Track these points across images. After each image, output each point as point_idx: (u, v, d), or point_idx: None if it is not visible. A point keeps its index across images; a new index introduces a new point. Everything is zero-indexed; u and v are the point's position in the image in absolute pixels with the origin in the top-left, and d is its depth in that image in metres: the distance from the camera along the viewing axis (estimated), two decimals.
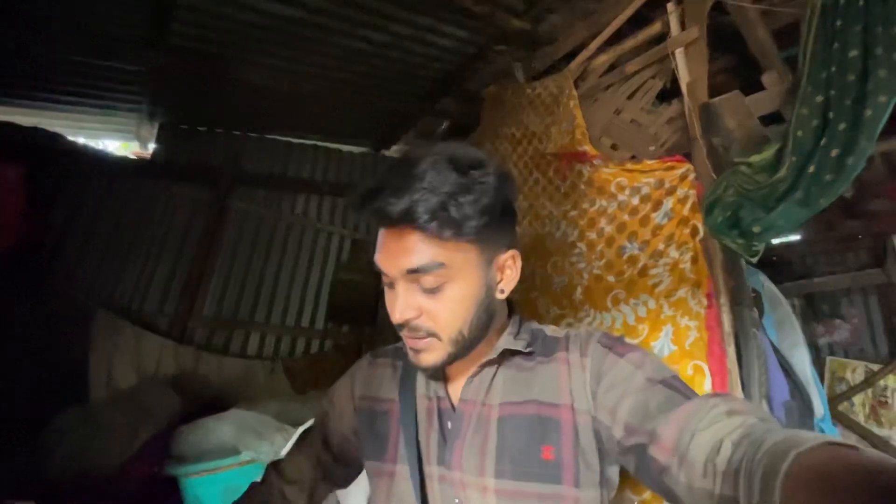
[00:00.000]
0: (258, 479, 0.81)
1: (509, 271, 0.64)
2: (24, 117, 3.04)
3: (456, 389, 0.67)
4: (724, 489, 0.43)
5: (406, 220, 0.55)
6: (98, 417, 2.02)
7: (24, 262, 2.63)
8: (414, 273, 0.57)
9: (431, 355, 0.60)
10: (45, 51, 2.42)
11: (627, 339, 0.66)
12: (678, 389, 0.54)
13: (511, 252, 0.64)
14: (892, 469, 0.32)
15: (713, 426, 0.47)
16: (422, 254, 0.56)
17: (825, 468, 0.35)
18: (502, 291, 0.63)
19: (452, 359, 0.61)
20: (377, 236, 0.61)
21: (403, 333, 0.61)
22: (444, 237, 0.55)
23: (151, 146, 3.50)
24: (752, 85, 1.77)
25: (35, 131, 2.94)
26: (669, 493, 0.50)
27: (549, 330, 0.69)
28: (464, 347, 0.61)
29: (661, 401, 0.53)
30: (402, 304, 0.58)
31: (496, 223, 0.59)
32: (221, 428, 1.79)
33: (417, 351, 0.60)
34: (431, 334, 0.59)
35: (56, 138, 3.02)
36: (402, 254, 0.57)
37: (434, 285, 0.57)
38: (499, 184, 0.59)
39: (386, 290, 0.61)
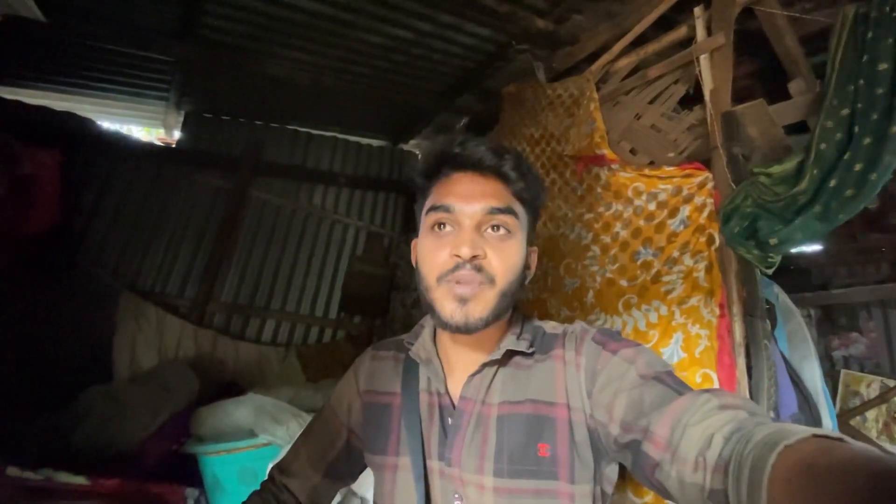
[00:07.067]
0: (265, 478, 0.82)
1: (532, 266, 0.69)
2: (57, 101, 3.15)
3: (456, 386, 0.67)
4: (714, 483, 0.43)
5: (495, 168, 0.64)
6: (121, 396, 2.11)
7: (55, 243, 2.74)
8: (494, 213, 0.62)
9: (479, 305, 0.60)
10: (80, 38, 2.50)
11: (621, 335, 0.67)
12: (670, 385, 0.54)
13: (534, 248, 0.70)
14: (876, 459, 0.32)
15: (704, 421, 0.47)
16: (503, 197, 0.64)
17: (811, 459, 0.35)
18: (524, 282, 0.67)
19: (491, 317, 0.61)
20: (431, 186, 0.67)
21: (456, 276, 0.60)
22: (516, 191, 0.65)
23: (176, 133, 3.59)
24: (777, 91, 1.75)
25: (68, 116, 3.04)
26: (662, 488, 0.51)
27: (549, 327, 0.70)
28: (502, 309, 0.62)
29: (654, 397, 0.53)
30: (471, 242, 0.60)
31: (535, 213, 0.70)
32: (239, 411, 1.86)
33: (466, 300, 0.60)
34: (490, 278, 0.61)
35: (87, 123, 3.12)
36: (485, 195, 0.63)
37: (503, 231, 0.63)
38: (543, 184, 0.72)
39: (430, 235, 0.64)
